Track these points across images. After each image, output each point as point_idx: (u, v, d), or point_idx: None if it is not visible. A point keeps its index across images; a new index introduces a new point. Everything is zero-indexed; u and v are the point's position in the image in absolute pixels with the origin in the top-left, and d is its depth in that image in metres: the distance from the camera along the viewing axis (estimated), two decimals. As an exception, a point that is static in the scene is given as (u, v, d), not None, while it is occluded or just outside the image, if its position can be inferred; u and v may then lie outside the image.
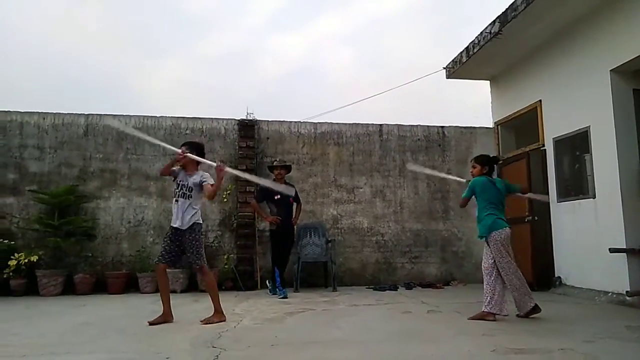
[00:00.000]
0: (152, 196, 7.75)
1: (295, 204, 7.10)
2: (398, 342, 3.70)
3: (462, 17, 24.42)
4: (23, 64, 19.51)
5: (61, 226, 7.08)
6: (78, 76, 20.00)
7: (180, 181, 4.68)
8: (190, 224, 4.59)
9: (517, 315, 4.71)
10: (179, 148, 4.71)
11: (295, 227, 7.16)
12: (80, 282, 7.01)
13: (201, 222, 4.72)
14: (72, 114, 7.78)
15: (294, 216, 7.07)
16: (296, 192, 6.82)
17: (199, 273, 4.75)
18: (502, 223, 4.74)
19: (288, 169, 7.16)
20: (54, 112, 7.74)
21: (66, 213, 7.28)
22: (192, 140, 5.33)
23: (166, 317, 4.56)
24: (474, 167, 5.04)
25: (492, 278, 4.70)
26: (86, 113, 7.83)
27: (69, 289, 7.00)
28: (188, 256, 4.64)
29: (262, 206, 7.08)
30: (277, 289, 6.65)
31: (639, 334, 3.95)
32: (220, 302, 4.70)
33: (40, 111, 7.70)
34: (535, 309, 4.63)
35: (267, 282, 7.15)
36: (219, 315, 4.61)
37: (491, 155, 5.24)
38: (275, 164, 7.02)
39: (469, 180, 5.10)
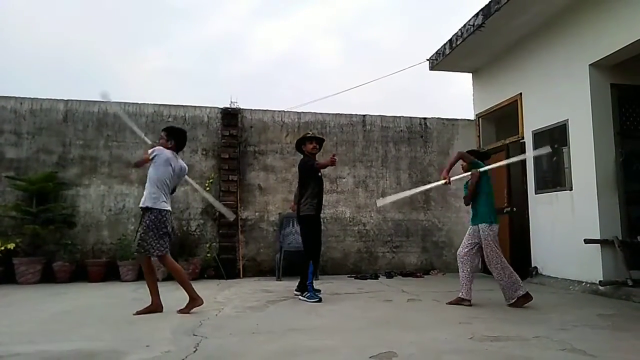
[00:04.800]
0: (134, 184, 7.66)
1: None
2: (378, 330, 3.75)
3: (451, 7, 24.54)
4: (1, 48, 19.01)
5: (39, 213, 6.97)
6: (58, 62, 19.56)
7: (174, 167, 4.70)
8: (145, 206, 4.47)
9: (509, 305, 4.77)
10: (160, 134, 4.67)
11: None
12: (60, 270, 6.92)
13: (158, 208, 4.46)
14: (50, 99, 7.62)
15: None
16: None
17: (160, 262, 4.59)
18: (496, 217, 4.98)
19: (322, 143, 5.89)
20: (32, 97, 7.57)
21: (45, 200, 7.15)
22: (170, 126, 5.12)
23: (156, 308, 4.48)
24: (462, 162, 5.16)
25: (468, 266, 4.88)
26: (65, 99, 7.68)
27: (48, 277, 6.90)
28: (138, 240, 4.46)
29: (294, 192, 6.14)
30: (309, 288, 5.34)
31: (611, 322, 4.08)
32: (195, 290, 4.62)
33: (17, 96, 7.53)
34: (527, 296, 4.73)
35: (296, 292, 5.63)
36: (194, 301, 4.52)
37: (481, 151, 5.32)
38: (309, 135, 5.85)
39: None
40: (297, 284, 5.71)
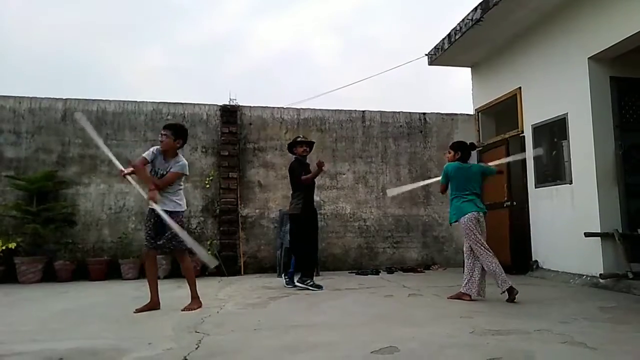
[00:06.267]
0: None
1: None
2: (379, 325, 3.76)
3: (450, 1, 24.49)
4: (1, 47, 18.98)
5: (40, 212, 6.98)
6: (57, 60, 19.52)
7: (158, 169, 4.48)
8: (172, 210, 4.41)
9: (507, 300, 4.70)
10: (161, 131, 4.54)
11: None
12: (61, 268, 6.94)
13: (181, 210, 4.53)
14: (49, 98, 7.61)
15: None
16: None
17: (179, 259, 4.61)
18: (468, 207, 4.84)
19: (312, 146, 6.31)
20: (31, 96, 7.56)
21: (45, 199, 7.16)
22: (175, 123, 5.07)
23: (154, 305, 4.48)
24: (448, 152, 5.20)
25: (470, 261, 4.87)
26: (64, 98, 7.67)
27: (49, 276, 6.92)
28: (165, 241, 4.43)
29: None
30: (286, 278, 6.05)
31: (611, 315, 4.09)
32: (197, 288, 4.62)
33: (15, 95, 7.52)
34: (511, 290, 4.66)
35: (283, 275, 6.31)
36: (196, 301, 4.55)
37: (468, 142, 5.31)
38: (299, 139, 6.17)
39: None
40: (297, 279, 5.91)
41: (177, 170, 4.46)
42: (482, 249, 4.76)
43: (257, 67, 22.27)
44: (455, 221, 4.92)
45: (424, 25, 25.30)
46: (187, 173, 4.59)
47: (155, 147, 4.55)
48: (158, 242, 4.46)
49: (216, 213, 7.90)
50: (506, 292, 4.69)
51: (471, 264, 4.88)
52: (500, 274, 4.68)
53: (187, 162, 4.60)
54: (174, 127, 4.57)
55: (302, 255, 5.95)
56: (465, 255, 4.98)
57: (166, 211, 4.38)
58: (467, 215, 4.82)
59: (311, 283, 5.79)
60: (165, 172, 4.46)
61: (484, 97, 8.34)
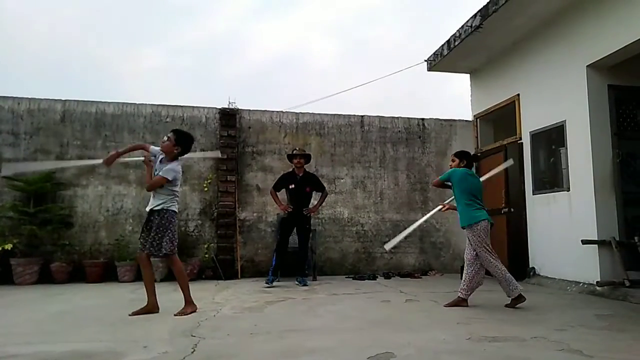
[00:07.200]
0: (132, 184, 7.65)
1: (314, 194, 6.98)
2: (376, 331, 3.76)
3: (450, 8, 24.58)
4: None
5: (37, 214, 6.96)
6: (56, 61, 19.52)
7: (155, 169, 4.51)
8: (160, 208, 4.40)
9: (506, 306, 4.78)
10: (167, 135, 4.56)
11: (311, 216, 6.94)
12: (57, 270, 6.91)
13: (173, 210, 4.47)
14: (48, 99, 7.60)
15: (312, 205, 6.93)
16: (319, 181, 7.00)
17: (169, 263, 4.58)
18: (483, 215, 4.89)
19: (307, 158, 7.00)
20: (29, 97, 7.55)
21: (42, 200, 7.14)
22: (183, 130, 4.95)
23: (152, 308, 4.45)
24: (452, 160, 5.22)
25: (473, 268, 4.85)
26: (63, 99, 7.67)
27: (45, 277, 6.88)
28: (150, 240, 4.39)
29: (278, 195, 6.93)
30: (270, 273, 6.60)
31: (608, 323, 4.09)
32: (193, 292, 4.60)
33: (14, 96, 7.51)
34: (520, 298, 4.75)
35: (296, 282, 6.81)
36: (191, 305, 4.50)
37: (471, 153, 5.37)
38: (294, 152, 6.95)
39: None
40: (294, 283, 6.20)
41: (162, 175, 4.41)
42: (492, 257, 4.80)
43: (256, 69, 22.32)
44: (468, 225, 4.86)
45: (424, 30, 25.39)
46: (170, 178, 4.40)
47: (159, 148, 4.60)
48: (146, 245, 4.44)
49: (214, 216, 7.88)
50: (511, 299, 4.76)
51: (473, 272, 4.86)
52: (512, 280, 4.78)
53: (179, 169, 4.53)
54: (178, 133, 4.62)
55: (278, 253, 6.74)
56: (467, 262, 4.93)
57: (153, 209, 4.40)
58: (481, 223, 4.83)
59: (269, 279, 6.49)
60: (157, 173, 4.48)
61: (483, 103, 8.37)
